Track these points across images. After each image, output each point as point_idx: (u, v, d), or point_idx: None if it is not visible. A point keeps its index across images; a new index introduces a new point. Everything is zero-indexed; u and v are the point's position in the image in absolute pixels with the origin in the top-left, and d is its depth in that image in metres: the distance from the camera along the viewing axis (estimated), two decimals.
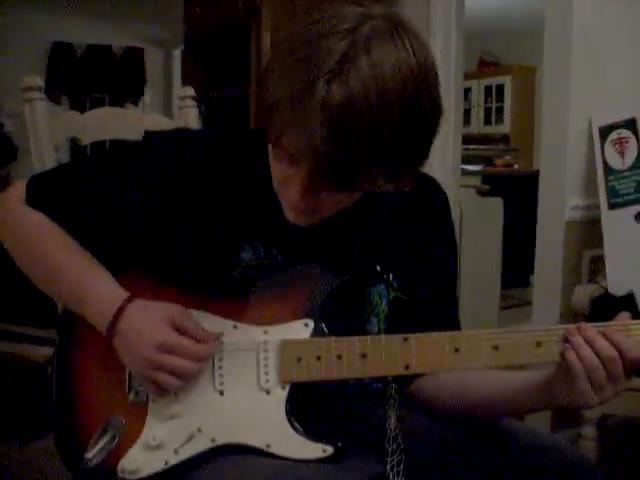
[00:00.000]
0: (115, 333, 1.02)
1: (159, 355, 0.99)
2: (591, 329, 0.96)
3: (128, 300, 1.03)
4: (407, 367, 1.00)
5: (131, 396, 1.06)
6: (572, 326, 0.98)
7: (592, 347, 0.94)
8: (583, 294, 2.32)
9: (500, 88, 7.99)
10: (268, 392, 1.03)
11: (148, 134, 1.16)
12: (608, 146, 2.45)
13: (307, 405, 1.06)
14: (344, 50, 0.85)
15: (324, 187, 0.93)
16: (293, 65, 0.88)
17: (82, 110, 1.55)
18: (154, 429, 1.04)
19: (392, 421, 1.09)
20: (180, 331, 1.01)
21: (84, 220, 1.10)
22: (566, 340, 0.97)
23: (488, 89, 8.15)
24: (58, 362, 1.13)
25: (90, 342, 1.09)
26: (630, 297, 2.16)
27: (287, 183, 0.96)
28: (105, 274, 1.08)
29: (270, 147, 0.98)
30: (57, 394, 1.12)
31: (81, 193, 1.10)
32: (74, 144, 1.52)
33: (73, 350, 1.12)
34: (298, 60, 0.87)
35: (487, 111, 8.24)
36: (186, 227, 1.09)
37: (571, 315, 2.43)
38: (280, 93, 0.87)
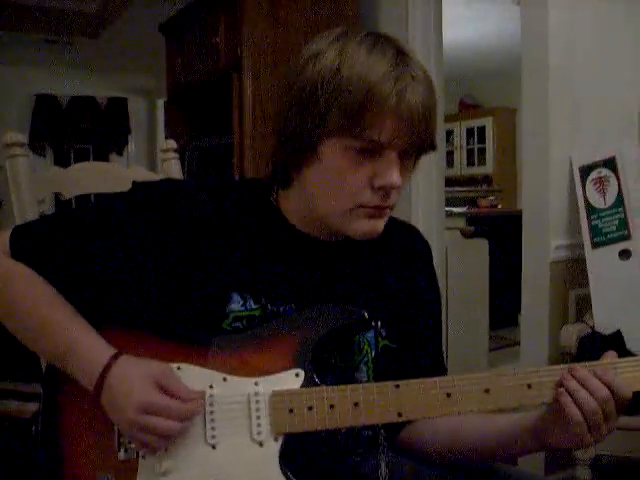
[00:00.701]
0: (102, 391, 1.01)
1: (143, 417, 0.97)
2: (582, 370, 0.97)
3: (114, 357, 1.02)
4: (400, 414, 1.00)
5: (121, 453, 1.04)
6: (563, 367, 0.99)
7: (587, 389, 0.95)
8: (570, 333, 2.33)
9: (482, 130, 8.08)
10: (261, 444, 1.02)
11: (135, 184, 1.16)
12: (589, 185, 2.48)
13: (300, 455, 1.05)
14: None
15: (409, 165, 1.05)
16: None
17: (66, 161, 1.57)
18: None
19: (383, 469, 1.09)
20: (164, 391, 0.99)
21: (69, 273, 1.09)
22: (560, 385, 0.97)
23: (470, 131, 8.24)
24: (44, 419, 1.11)
25: (77, 398, 1.07)
26: (617, 335, 2.17)
27: (357, 185, 1.02)
28: (90, 330, 1.07)
29: (303, 178, 1.06)
30: (44, 451, 1.10)
31: (66, 245, 1.09)
32: (58, 197, 1.51)
33: (59, 406, 1.10)
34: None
35: (469, 153, 8.33)
36: (174, 278, 1.08)
37: (559, 355, 2.43)
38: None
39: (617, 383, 0.95)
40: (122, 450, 1.04)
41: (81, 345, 1.05)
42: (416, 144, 1.02)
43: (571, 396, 0.95)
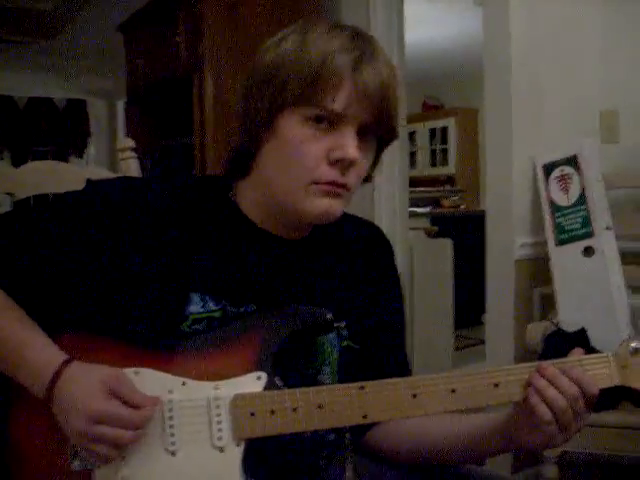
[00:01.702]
0: (52, 399, 0.97)
1: (92, 426, 0.93)
2: (551, 368, 0.95)
3: (64, 364, 0.98)
4: (365, 416, 0.98)
5: (75, 464, 1.00)
6: (530, 365, 0.98)
7: (556, 387, 0.94)
8: (536, 331, 2.33)
9: (444, 130, 8.14)
10: (222, 450, 0.98)
11: (90, 182, 1.12)
12: (552, 183, 2.49)
13: (263, 460, 1.03)
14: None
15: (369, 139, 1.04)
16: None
17: (25, 164, 1.51)
18: None
19: (348, 473, 1.07)
20: (116, 398, 0.95)
21: (21, 275, 1.05)
22: (529, 384, 0.96)
23: (433, 131, 8.29)
24: None
25: (29, 406, 1.02)
26: (582, 333, 2.17)
27: (316, 156, 1.00)
28: (41, 335, 1.02)
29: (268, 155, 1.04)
30: None
31: (16, 246, 1.05)
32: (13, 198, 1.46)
33: (11, 415, 1.05)
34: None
35: (432, 153, 8.38)
36: (130, 279, 1.05)
37: (525, 353, 2.43)
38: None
39: (586, 380, 0.94)
40: (77, 460, 1.00)
41: (30, 351, 1.00)
42: (373, 122, 1.01)
43: (541, 395, 0.94)
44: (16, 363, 1.01)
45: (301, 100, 0.98)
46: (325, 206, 1.02)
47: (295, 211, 1.04)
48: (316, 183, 1.01)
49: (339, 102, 0.98)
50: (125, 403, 0.95)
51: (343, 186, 1.02)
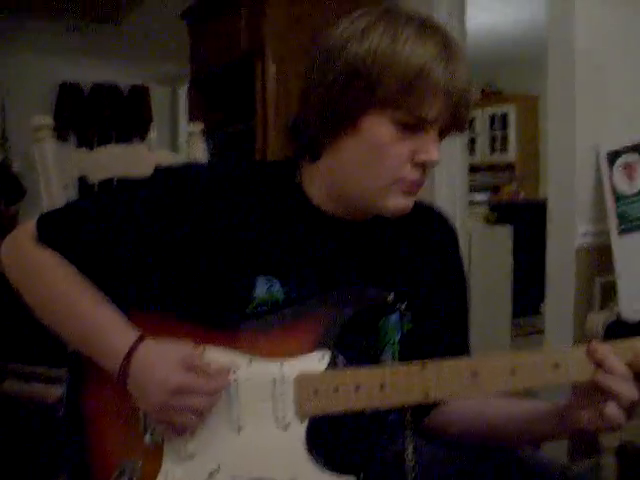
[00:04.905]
0: (127, 376, 1.01)
1: (173, 398, 0.97)
2: (619, 343, 0.95)
3: (138, 340, 1.02)
4: (427, 395, 0.99)
5: (147, 437, 1.04)
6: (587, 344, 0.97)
7: (625, 363, 0.93)
8: (596, 321, 2.30)
9: (504, 117, 8.01)
10: (286, 427, 1.01)
11: (158, 169, 1.16)
12: (616, 171, 2.45)
13: (326, 437, 1.05)
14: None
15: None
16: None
17: (90, 148, 1.56)
18: (172, 470, 1.02)
19: (409, 452, 1.08)
20: (191, 370, 0.99)
21: (96, 259, 1.09)
22: (597, 362, 0.94)
23: (492, 118, 8.17)
24: (69, 403, 1.12)
25: (102, 382, 1.07)
26: None
27: (398, 160, 1.02)
28: (117, 315, 1.06)
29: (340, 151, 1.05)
30: (70, 436, 1.11)
31: (93, 230, 1.09)
32: (82, 182, 1.51)
33: (85, 391, 1.10)
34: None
35: (492, 140, 8.25)
36: (199, 263, 1.08)
37: (585, 343, 2.40)
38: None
39: None
40: (148, 434, 1.04)
41: (106, 329, 1.05)
42: (455, 124, 1.03)
43: (604, 366, 0.93)
44: (90, 338, 1.05)
45: (393, 104, 0.98)
46: (404, 204, 1.05)
47: (373, 206, 1.06)
48: (398, 182, 1.03)
49: (432, 111, 0.99)
50: (201, 374, 0.99)
51: (421, 184, 1.05)
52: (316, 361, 1.03)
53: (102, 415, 1.08)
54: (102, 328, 1.05)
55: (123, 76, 5.85)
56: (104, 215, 1.10)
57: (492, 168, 8.05)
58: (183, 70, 4.05)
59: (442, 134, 1.04)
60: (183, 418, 0.99)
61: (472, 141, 8.03)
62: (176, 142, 5.97)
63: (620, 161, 2.45)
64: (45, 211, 1.17)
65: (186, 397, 0.98)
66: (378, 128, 1.01)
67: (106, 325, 1.05)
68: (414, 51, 0.97)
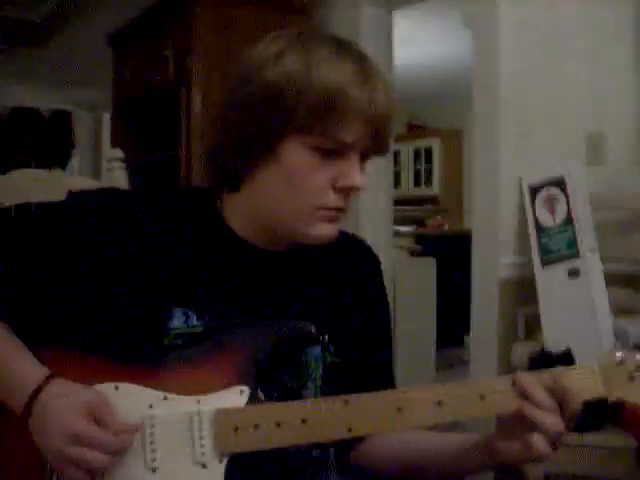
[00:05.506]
0: (30, 416, 0.94)
1: (70, 447, 0.91)
2: (546, 375, 0.94)
3: (47, 379, 0.96)
4: (350, 430, 0.95)
5: None
6: (512, 375, 0.95)
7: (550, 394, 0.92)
8: (521, 352, 2.32)
9: (429, 151, 8.16)
10: (204, 466, 0.96)
11: (71, 194, 1.10)
12: (539, 204, 2.49)
13: (247, 475, 1.00)
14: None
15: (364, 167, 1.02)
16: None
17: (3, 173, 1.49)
18: None
19: None
20: (97, 421, 0.93)
21: (3, 291, 1.02)
22: (522, 393, 0.93)
23: (417, 152, 8.32)
24: None
25: (7, 422, 1.00)
26: (567, 354, 2.17)
27: (315, 187, 0.99)
28: (23, 350, 1.00)
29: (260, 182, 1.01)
30: None
31: None
32: None
33: None
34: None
35: (417, 173, 8.40)
36: (112, 293, 1.03)
37: (509, 373, 2.42)
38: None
39: (572, 388, 0.92)
40: (54, 479, 0.97)
41: (12, 365, 0.98)
42: (376, 147, 1.01)
43: (530, 397, 0.92)
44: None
45: (311, 129, 0.95)
46: (328, 231, 1.02)
47: (295, 234, 1.03)
48: (321, 209, 1.00)
49: (351, 134, 0.96)
50: (106, 428, 0.93)
51: (344, 210, 1.02)
52: (236, 396, 0.98)
53: (6, 457, 1.01)
54: (8, 364, 0.99)
55: (45, 100, 5.72)
56: (8, 244, 1.04)
57: (417, 201, 8.18)
58: (108, 95, 3.99)
59: (364, 158, 1.02)
60: (74, 472, 0.92)
61: (397, 174, 8.16)
62: (99, 170, 5.86)
63: (542, 194, 2.50)
64: None
65: (84, 449, 0.91)
66: (297, 155, 0.97)
67: (12, 361, 0.99)
68: (329, 73, 0.94)
